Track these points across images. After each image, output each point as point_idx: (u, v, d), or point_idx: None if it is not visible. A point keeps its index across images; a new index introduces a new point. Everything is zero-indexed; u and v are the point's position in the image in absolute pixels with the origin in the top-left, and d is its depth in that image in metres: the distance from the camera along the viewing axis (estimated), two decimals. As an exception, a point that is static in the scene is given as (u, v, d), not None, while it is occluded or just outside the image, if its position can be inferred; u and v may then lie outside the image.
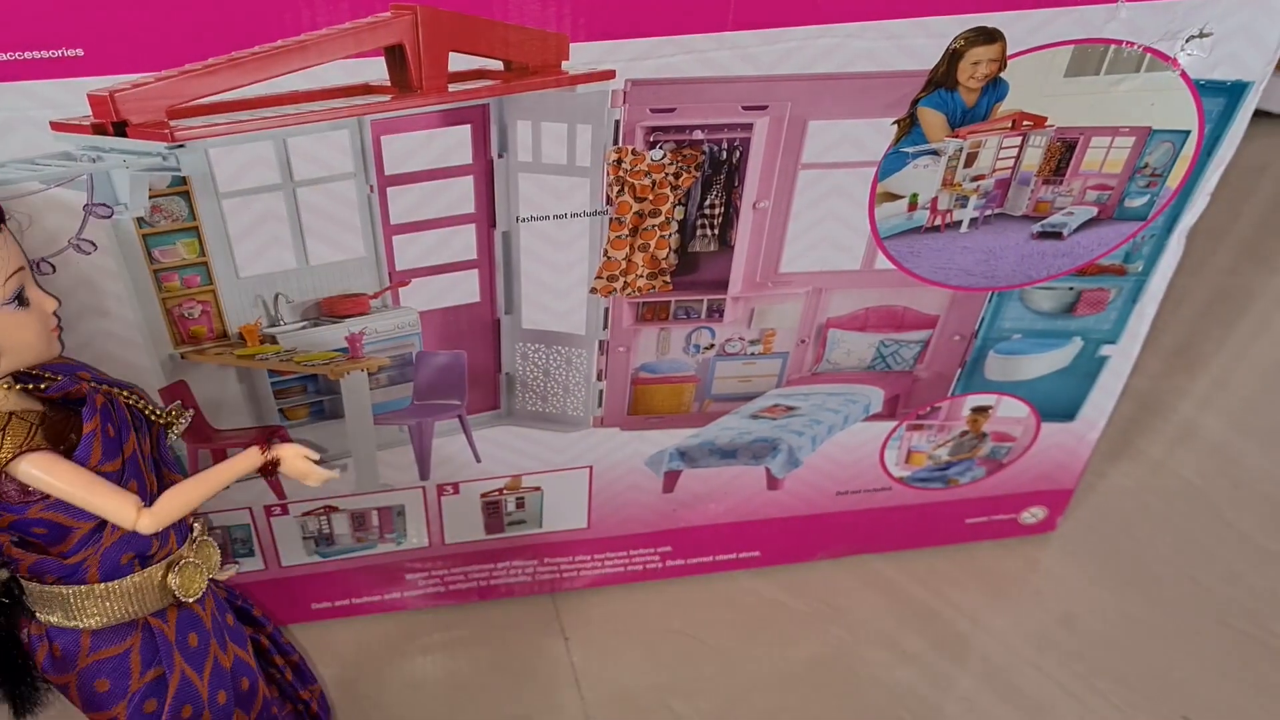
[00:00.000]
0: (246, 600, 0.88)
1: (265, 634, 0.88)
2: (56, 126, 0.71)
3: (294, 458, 0.79)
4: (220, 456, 0.94)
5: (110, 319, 0.83)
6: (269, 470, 0.79)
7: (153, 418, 0.78)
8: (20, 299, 0.70)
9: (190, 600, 0.79)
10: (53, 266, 0.78)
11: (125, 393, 0.77)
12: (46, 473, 0.70)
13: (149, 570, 0.77)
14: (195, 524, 0.81)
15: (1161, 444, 1.36)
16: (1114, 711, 1.10)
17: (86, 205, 0.76)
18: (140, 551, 0.76)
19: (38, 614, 0.77)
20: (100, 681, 0.78)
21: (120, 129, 0.72)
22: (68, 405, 0.74)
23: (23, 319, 0.71)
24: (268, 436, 0.78)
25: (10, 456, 0.70)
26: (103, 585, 0.75)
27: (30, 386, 0.72)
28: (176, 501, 0.75)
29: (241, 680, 0.84)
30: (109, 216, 0.77)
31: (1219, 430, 1.38)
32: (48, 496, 0.71)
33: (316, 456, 0.79)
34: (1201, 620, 1.18)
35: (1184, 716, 1.09)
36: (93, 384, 0.75)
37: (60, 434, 0.73)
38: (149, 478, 0.75)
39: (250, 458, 0.78)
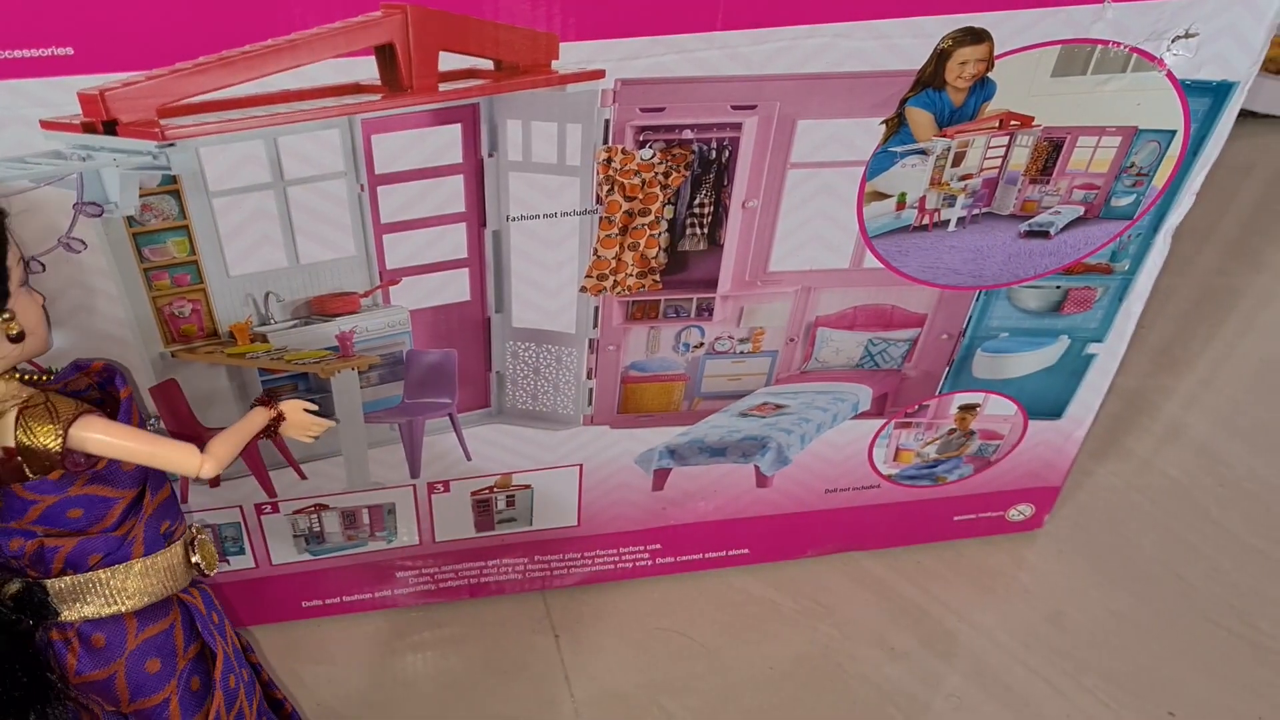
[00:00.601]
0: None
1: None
2: (46, 125, 0.71)
3: (295, 410, 0.82)
4: (211, 455, 0.95)
5: (101, 317, 0.83)
6: (273, 428, 0.82)
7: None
8: (26, 284, 0.71)
9: (209, 574, 0.80)
10: (43, 265, 0.78)
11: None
12: (106, 433, 0.71)
13: (173, 547, 0.78)
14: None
15: (1148, 442, 1.37)
16: (1101, 708, 1.10)
17: (76, 204, 0.76)
18: (173, 520, 0.78)
19: (65, 614, 0.76)
20: (151, 662, 0.78)
21: (110, 127, 0.72)
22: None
23: (33, 301, 0.72)
24: (264, 399, 0.81)
25: (70, 419, 0.70)
26: (143, 561, 0.76)
27: (34, 377, 0.73)
28: (226, 446, 0.77)
29: (251, 655, 0.86)
30: (99, 215, 0.77)
31: (1205, 429, 1.39)
32: (95, 466, 0.71)
33: (315, 408, 0.83)
34: (1188, 617, 1.18)
35: (1170, 713, 1.10)
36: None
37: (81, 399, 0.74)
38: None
39: (259, 414, 0.81)
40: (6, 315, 0.69)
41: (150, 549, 0.76)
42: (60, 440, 0.70)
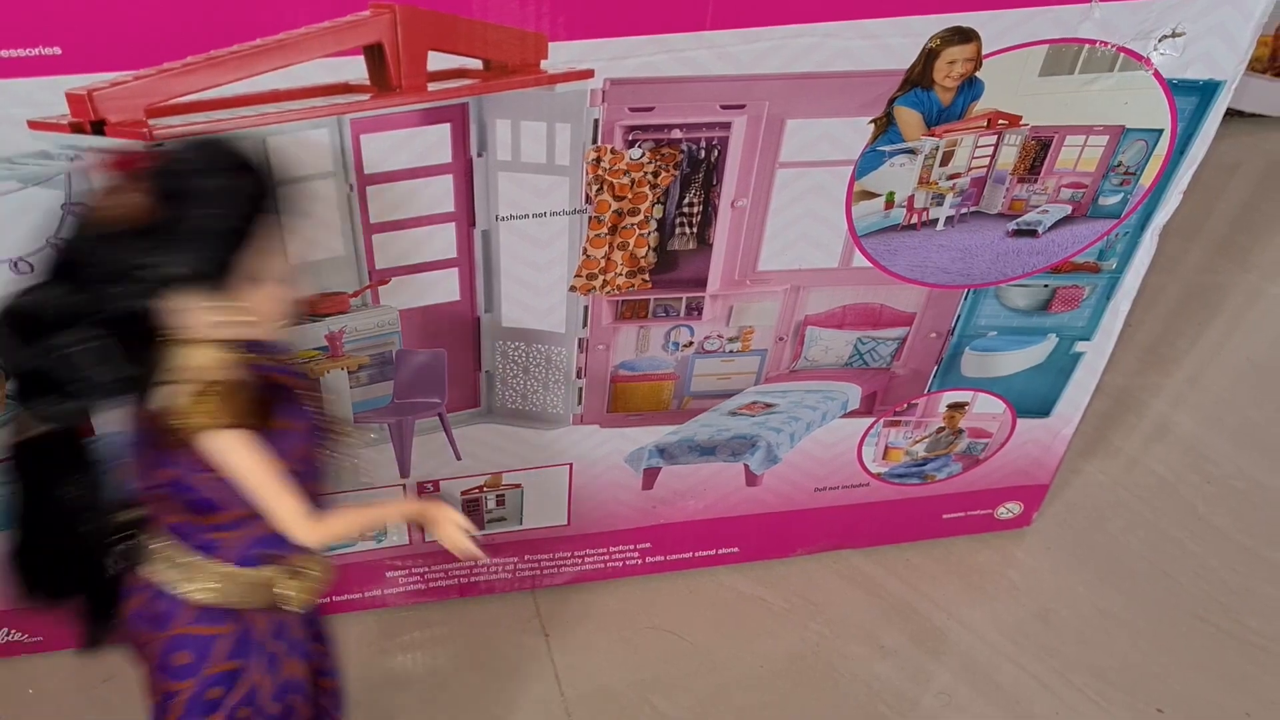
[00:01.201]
0: (318, 616, 0.88)
1: (325, 653, 0.89)
2: (34, 125, 0.71)
3: (449, 525, 0.78)
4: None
5: (89, 318, 0.82)
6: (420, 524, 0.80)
7: (332, 428, 0.78)
8: (261, 276, 0.70)
9: (291, 609, 0.79)
10: (31, 265, 0.78)
11: (316, 395, 0.78)
12: (239, 456, 0.71)
13: (263, 570, 0.77)
14: None
15: (1136, 440, 1.37)
16: (1089, 704, 1.10)
17: (65, 204, 0.76)
18: (276, 549, 0.76)
19: (152, 566, 0.76)
20: (182, 654, 0.78)
21: (99, 128, 0.72)
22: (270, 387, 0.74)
23: (263, 292, 0.71)
24: (429, 490, 0.80)
25: (218, 425, 0.70)
26: (229, 568, 0.76)
27: (253, 356, 0.72)
28: (339, 526, 0.76)
29: (293, 696, 0.84)
30: (87, 215, 0.77)
31: (1192, 426, 1.39)
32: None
33: (472, 530, 0.79)
34: (1175, 614, 1.19)
35: (1158, 709, 1.10)
36: (303, 381, 0.76)
37: (258, 401, 0.73)
38: (309, 484, 0.76)
39: (411, 508, 0.80)
40: (229, 303, 0.69)
41: (241, 563, 0.76)
42: (197, 434, 0.70)
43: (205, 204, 0.66)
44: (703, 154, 0.84)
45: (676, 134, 0.83)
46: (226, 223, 0.66)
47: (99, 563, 0.77)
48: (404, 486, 1.03)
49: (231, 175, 0.66)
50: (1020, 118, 0.86)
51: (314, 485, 0.76)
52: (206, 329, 0.69)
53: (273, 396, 0.74)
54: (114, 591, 0.78)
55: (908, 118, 0.84)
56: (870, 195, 0.89)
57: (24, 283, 0.78)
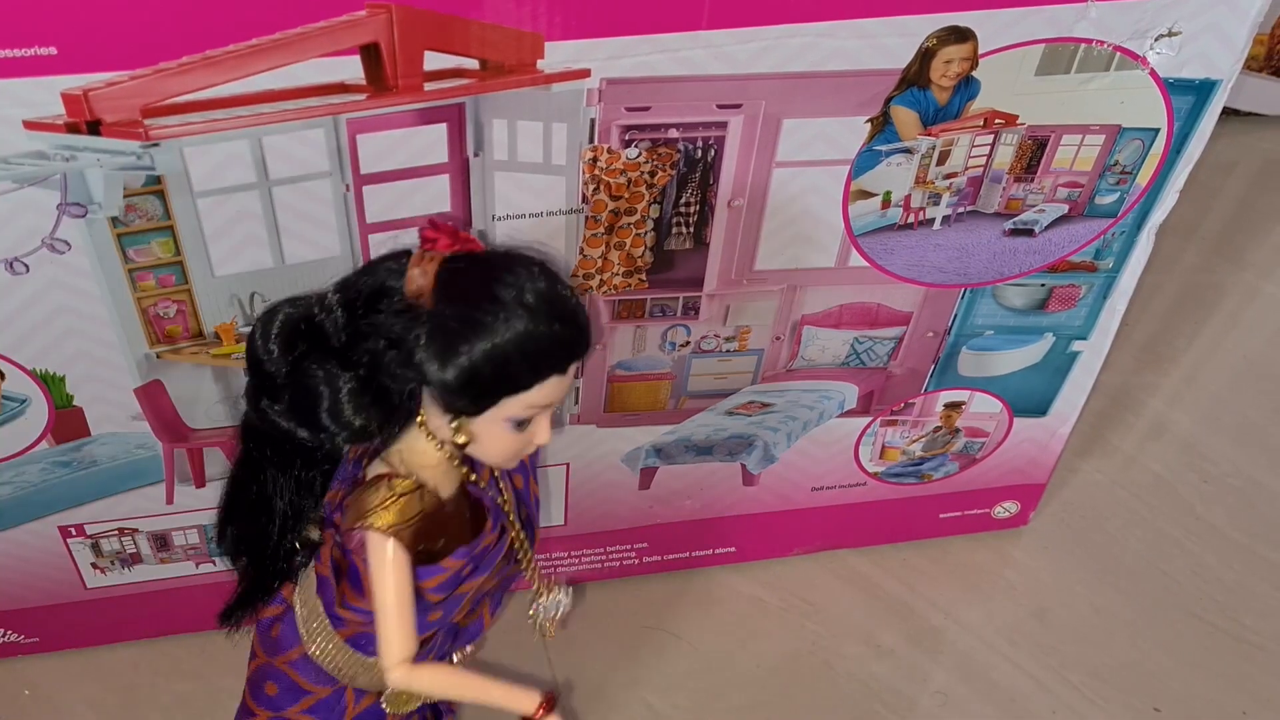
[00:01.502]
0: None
1: None
2: (30, 125, 0.71)
3: None
4: (197, 456, 0.94)
5: (85, 318, 0.82)
6: None
7: (526, 570, 0.78)
8: (521, 424, 0.68)
9: (389, 710, 0.79)
10: (26, 266, 0.78)
11: (522, 536, 0.77)
12: (382, 566, 0.68)
13: (370, 660, 0.76)
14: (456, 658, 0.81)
15: (1132, 439, 1.38)
16: (1086, 704, 1.11)
17: (60, 204, 0.76)
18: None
19: (299, 592, 0.77)
20: (272, 685, 0.78)
21: (94, 128, 0.72)
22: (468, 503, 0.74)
23: (509, 438, 0.69)
24: (550, 697, 0.77)
25: (383, 529, 0.68)
26: (341, 643, 0.76)
27: (464, 471, 0.72)
28: (437, 684, 0.74)
29: None
30: (83, 216, 0.77)
31: (1189, 425, 1.40)
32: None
33: None
34: (1172, 613, 1.19)
35: (1155, 708, 1.10)
36: (506, 519, 0.75)
37: (441, 526, 0.71)
38: (458, 613, 0.76)
39: (525, 703, 0.76)
40: (466, 427, 0.67)
41: (354, 645, 0.76)
42: (364, 522, 0.68)
43: (489, 335, 0.63)
44: (699, 153, 0.84)
45: (673, 134, 0.83)
46: (502, 368, 0.64)
47: (273, 556, 0.77)
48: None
49: (539, 322, 0.64)
50: (1017, 117, 0.86)
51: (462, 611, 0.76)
52: (439, 430, 0.68)
53: (460, 525, 0.73)
54: (269, 588, 0.79)
55: (904, 117, 0.84)
56: (867, 195, 0.89)
57: (20, 282, 0.78)
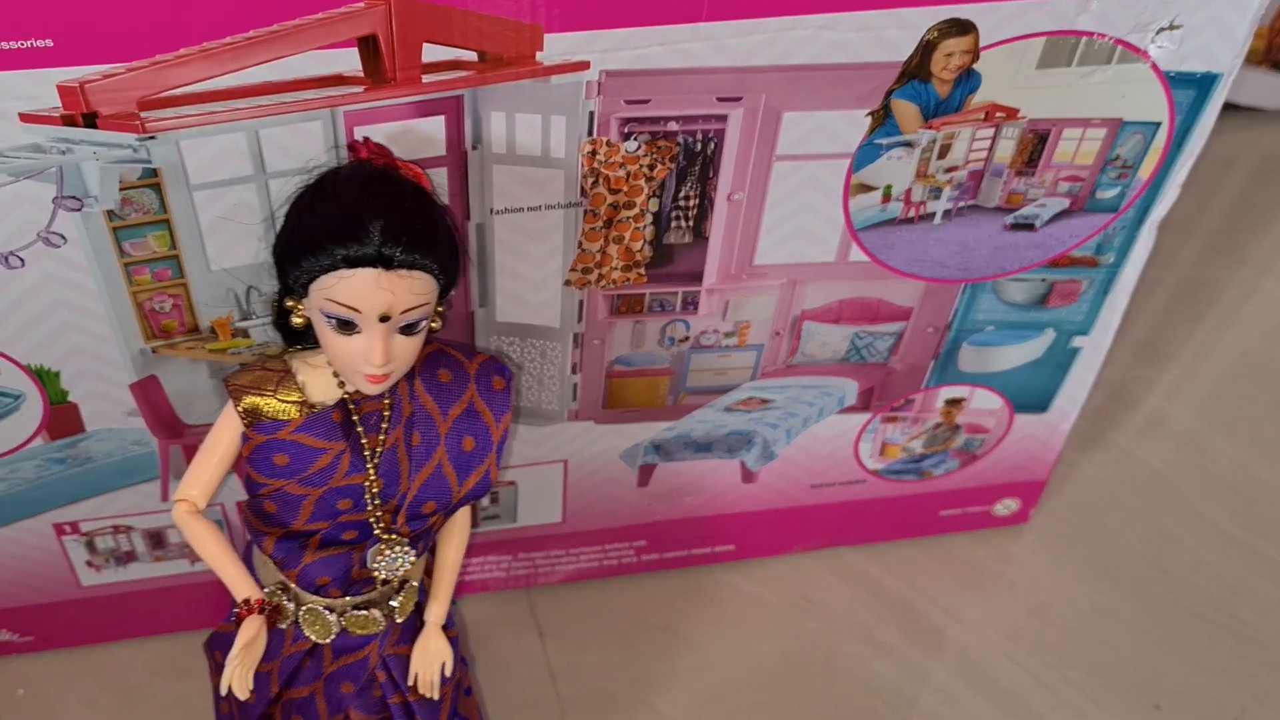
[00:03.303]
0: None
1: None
2: (25, 118, 0.70)
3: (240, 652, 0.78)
4: (192, 452, 0.93)
5: (80, 313, 0.82)
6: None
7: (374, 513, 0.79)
8: (343, 326, 0.71)
9: (309, 634, 0.81)
10: (21, 260, 0.77)
11: (374, 483, 0.78)
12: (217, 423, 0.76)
13: (279, 573, 0.80)
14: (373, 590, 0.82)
15: (1131, 435, 1.37)
16: (1086, 701, 1.10)
17: (56, 198, 0.75)
18: (293, 564, 0.79)
19: None
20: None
21: (90, 120, 0.71)
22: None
23: (334, 340, 0.72)
24: (261, 604, 0.79)
25: (231, 381, 0.75)
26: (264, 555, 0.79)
27: (345, 390, 0.76)
28: (197, 537, 0.79)
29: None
30: (79, 209, 0.76)
31: (1188, 421, 1.39)
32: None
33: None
34: (1172, 610, 1.19)
35: (1156, 705, 1.10)
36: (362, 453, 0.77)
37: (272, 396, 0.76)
38: (286, 516, 0.77)
39: (241, 592, 0.79)
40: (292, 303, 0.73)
41: (274, 555, 0.78)
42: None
43: (293, 205, 0.72)
44: (699, 147, 0.84)
45: (673, 126, 0.82)
46: (291, 239, 0.71)
47: None
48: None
49: (323, 200, 0.70)
50: (1018, 110, 0.85)
51: (293, 520, 0.77)
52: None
53: (324, 416, 0.75)
54: None
55: (905, 110, 0.84)
56: (867, 188, 0.88)
57: (15, 276, 0.78)
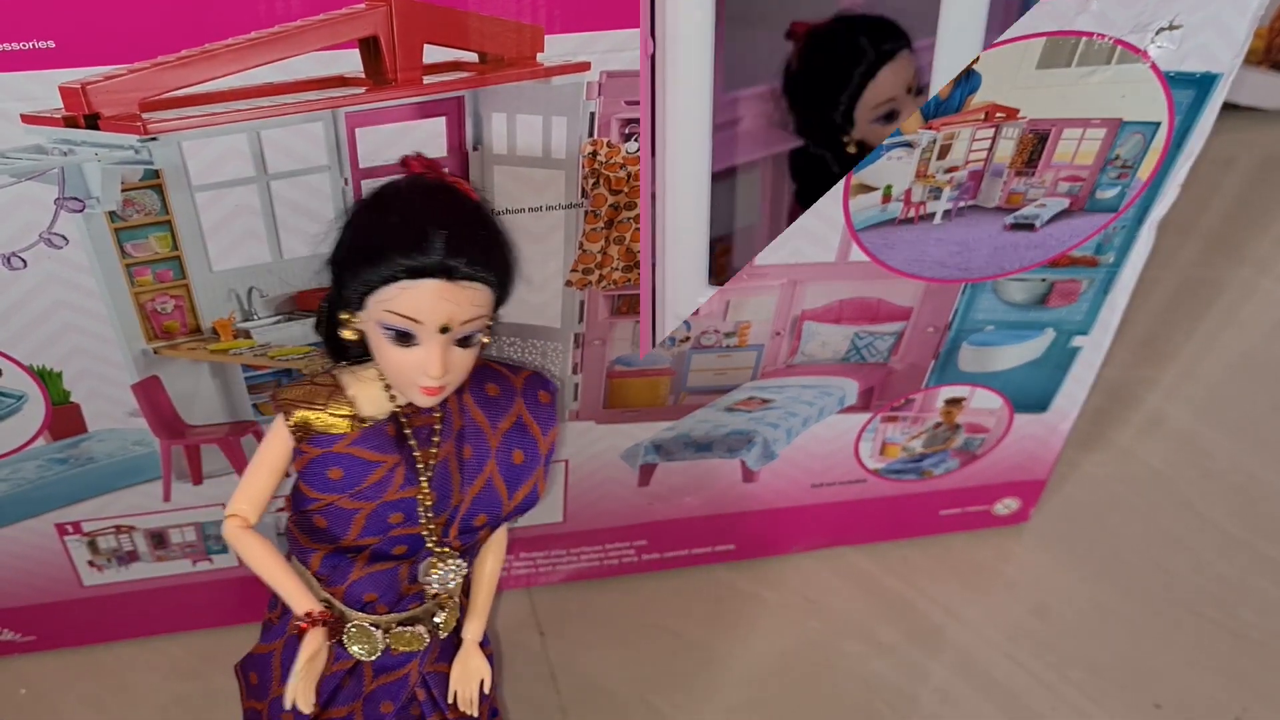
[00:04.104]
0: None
1: None
2: (27, 119, 0.71)
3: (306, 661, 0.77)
4: (194, 452, 0.94)
5: (82, 314, 0.82)
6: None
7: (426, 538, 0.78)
8: (401, 337, 0.70)
9: (354, 652, 0.79)
10: (24, 261, 0.78)
11: (428, 497, 0.77)
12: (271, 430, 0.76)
13: (323, 591, 0.79)
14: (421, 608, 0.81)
15: (1132, 435, 1.37)
16: (1086, 700, 1.10)
17: (58, 199, 0.75)
18: (339, 580, 0.78)
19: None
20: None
21: (92, 122, 0.71)
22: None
23: (391, 352, 0.71)
24: (324, 617, 0.78)
25: (280, 398, 0.75)
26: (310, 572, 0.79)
27: (395, 401, 0.75)
28: (250, 552, 0.77)
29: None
30: (81, 210, 0.76)
31: (1188, 420, 1.40)
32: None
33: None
34: (1172, 609, 1.19)
35: (1156, 705, 1.10)
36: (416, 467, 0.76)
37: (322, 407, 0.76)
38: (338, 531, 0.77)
39: (301, 606, 0.77)
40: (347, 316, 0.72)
41: (320, 571, 0.78)
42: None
43: (349, 220, 0.72)
44: (700, 148, 0.84)
45: (673, 127, 0.82)
46: (350, 253, 0.71)
47: None
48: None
49: (382, 212, 0.70)
50: (1018, 110, 0.85)
51: (344, 535, 0.77)
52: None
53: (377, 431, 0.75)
54: None
55: (905, 111, 0.84)
56: (868, 189, 0.88)
57: (17, 277, 0.78)
